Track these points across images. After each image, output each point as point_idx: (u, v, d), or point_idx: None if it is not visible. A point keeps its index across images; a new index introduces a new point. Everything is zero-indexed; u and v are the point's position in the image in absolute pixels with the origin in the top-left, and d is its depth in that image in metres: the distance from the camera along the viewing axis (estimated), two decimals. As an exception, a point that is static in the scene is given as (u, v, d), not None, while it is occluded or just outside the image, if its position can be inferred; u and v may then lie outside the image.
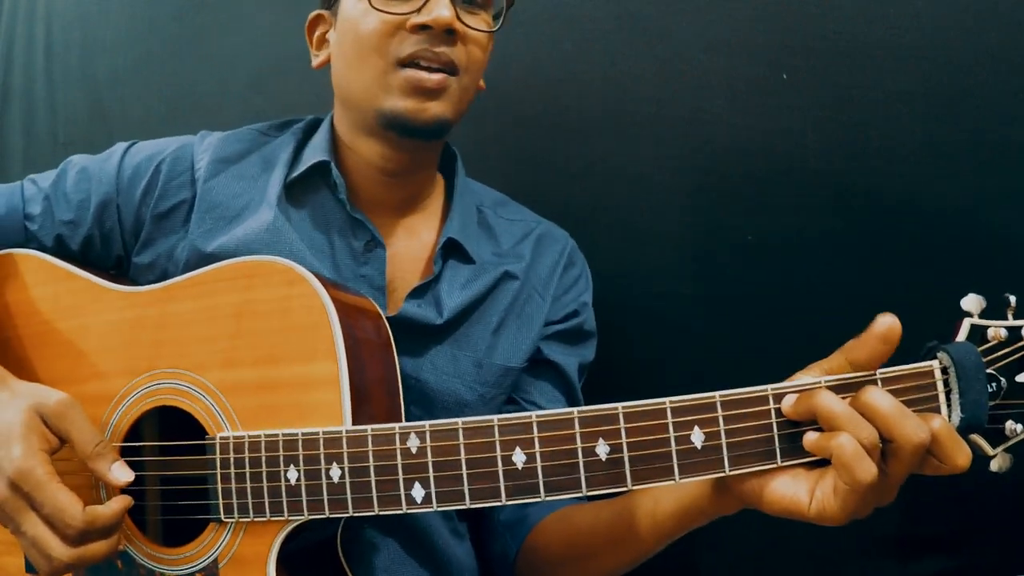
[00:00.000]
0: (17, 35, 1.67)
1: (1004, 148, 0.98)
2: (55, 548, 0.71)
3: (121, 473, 0.74)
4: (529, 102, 1.18)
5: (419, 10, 0.82)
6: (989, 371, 0.61)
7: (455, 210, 0.95)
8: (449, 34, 0.83)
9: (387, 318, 0.84)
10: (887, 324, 0.60)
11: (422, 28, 0.82)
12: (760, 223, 1.07)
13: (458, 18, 0.83)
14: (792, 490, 0.61)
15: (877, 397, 0.58)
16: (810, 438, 0.60)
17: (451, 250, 0.92)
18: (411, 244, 0.94)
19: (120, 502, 0.74)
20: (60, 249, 0.93)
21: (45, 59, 1.63)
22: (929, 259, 1.00)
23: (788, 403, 0.61)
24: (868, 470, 0.57)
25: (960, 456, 0.58)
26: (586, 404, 0.73)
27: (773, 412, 0.61)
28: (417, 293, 0.89)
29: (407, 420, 0.69)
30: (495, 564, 0.93)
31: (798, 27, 1.05)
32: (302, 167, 0.91)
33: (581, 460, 0.63)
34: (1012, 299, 0.62)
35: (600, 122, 1.15)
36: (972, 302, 0.62)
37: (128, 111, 1.54)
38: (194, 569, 0.77)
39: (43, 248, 0.92)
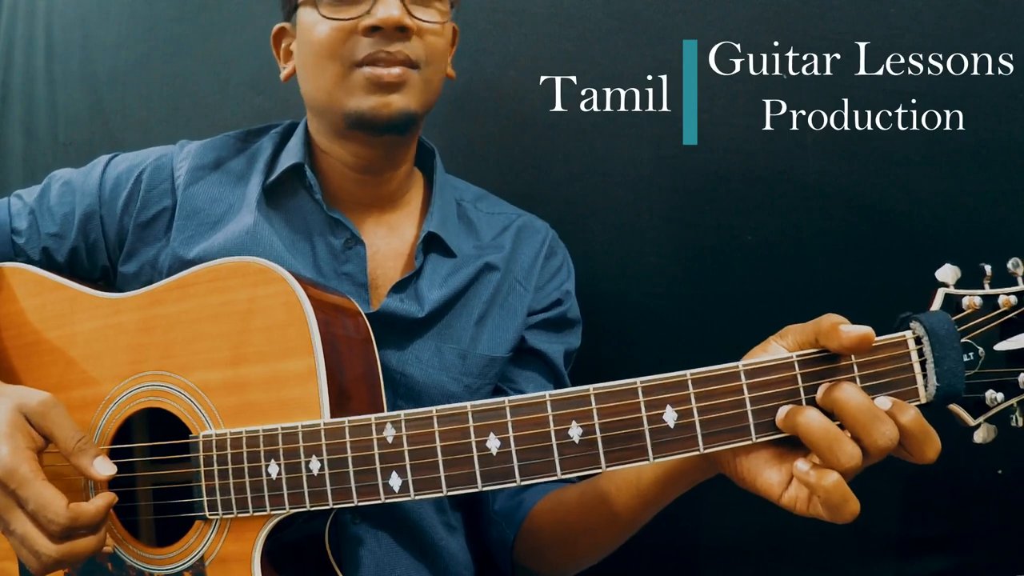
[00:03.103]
0: (17, 35, 1.67)
1: (1004, 148, 0.98)
2: (41, 544, 0.71)
3: (103, 467, 0.75)
4: (528, 102, 1.18)
5: (368, 12, 0.83)
6: (965, 340, 0.59)
7: (435, 205, 0.95)
8: (401, 31, 0.83)
9: (369, 314, 0.85)
10: (859, 335, 0.58)
11: (374, 30, 0.83)
12: (760, 223, 1.07)
13: (409, 13, 0.84)
14: (766, 474, 0.62)
15: (849, 395, 0.58)
16: (780, 415, 0.60)
17: (432, 244, 0.93)
18: (392, 240, 0.95)
19: (104, 498, 0.74)
20: (47, 262, 0.94)
21: (45, 59, 1.63)
22: (928, 259, 0.99)
23: (779, 416, 0.60)
24: (850, 453, 0.57)
25: (929, 449, 0.58)
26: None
27: (745, 388, 0.60)
28: (398, 288, 0.90)
29: (391, 414, 0.70)
30: (493, 552, 0.94)
31: (798, 27, 1.05)
32: (278, 171, 0.92)
33: (555, 443, 0.63)
34: (988, 268, 0.61)
35: (599, 122, 1.15)
36: (947, 272, 0.61)
37: (128, 111, 1.53)
38: (181, 568, 0.77)
39: (30, 261, 0.93)
